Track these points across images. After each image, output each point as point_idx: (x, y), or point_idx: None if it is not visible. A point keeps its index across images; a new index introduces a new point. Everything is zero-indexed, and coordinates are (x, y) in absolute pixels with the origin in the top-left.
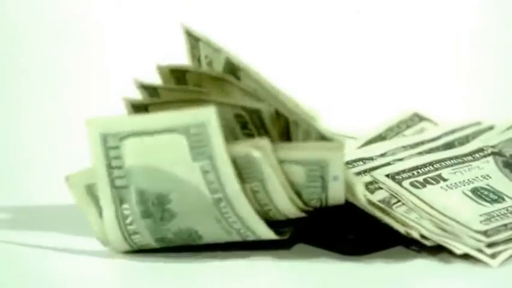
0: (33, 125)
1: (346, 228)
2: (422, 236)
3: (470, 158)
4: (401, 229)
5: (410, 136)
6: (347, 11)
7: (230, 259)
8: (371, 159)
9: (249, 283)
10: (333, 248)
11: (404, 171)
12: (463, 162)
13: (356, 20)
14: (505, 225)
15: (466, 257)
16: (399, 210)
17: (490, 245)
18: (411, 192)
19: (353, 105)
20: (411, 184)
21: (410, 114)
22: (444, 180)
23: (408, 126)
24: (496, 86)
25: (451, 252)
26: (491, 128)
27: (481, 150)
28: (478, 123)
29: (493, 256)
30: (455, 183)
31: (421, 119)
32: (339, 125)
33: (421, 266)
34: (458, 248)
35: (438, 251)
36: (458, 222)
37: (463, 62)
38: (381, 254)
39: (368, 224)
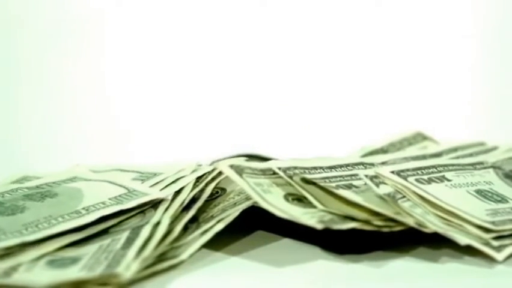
0: (31, 124)
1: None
2: (420, 225)
3: (471, 167)
4: (397, 217)
5: (412, 150)
6: (351, 26)
7: (227, 257)
8: (372, 164)
9: (246, 281)
10: (329, 246)
11: (408, 170)
12: (465, 170)
13: (363, 39)
14: (511, 220)
15: (463, 255)
16: (404, 206)
17: (496, 238)
18: (416, 186)
19: (356, 122)
20: (417, 180)
21: (414, 133)
22: (449, 180)
23: (410, 144)
24: (503, 108)
25: (453, 246)
26: (495, 148)
27: (481, 163)
28: (482, 144)
29: (499, 249)
30: (459, 183)
31: (424, 138)
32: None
33: (418, 265)
34: (462, 240)
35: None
36: (464, 211)
37: (471, 83)
38: (379, 254)
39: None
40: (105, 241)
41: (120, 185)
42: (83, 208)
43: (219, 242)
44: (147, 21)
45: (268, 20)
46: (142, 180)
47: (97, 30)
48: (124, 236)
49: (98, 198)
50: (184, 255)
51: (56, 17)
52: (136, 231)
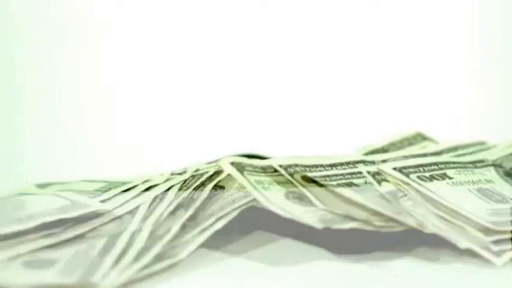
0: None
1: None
2: (421, 225)
3: (472, 165)
4: (398, 217)
5: (412, 150)
6: (351, 26)
7: (226, 257)
8: (373, 162)
9: (246, 281)
10: (328, 246)
11: (410, 167)
12: (466, 168)
13: (363, 39)
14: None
15: (463, 255)
16: (405, 205)
17: (496, 242)
18: (418, 183)
19: (356, 122)
20: (418, 177)
21: (414, 133)
22: (450, 178)
23: (410, 144)
24: (503, 108)
25: (453, 247)
26: (494, 147)
27: (481, 161)
28: (482, 143)
29: (498, 254)
30: (461, 181)
31: (424, 138)
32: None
33: (418, 265)
34: (462, 243)
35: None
36: (466, 210)
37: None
38: (379, 254)
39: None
40: (81, 246)
41: (64, 197)
42: (25, 216)
43: (218, 242)
44: (147, 21)
45: (268, 20)
46: (109, 188)
47: (97, 31)
48: (101, 242)
49: (41, 208)
50: (182, 254)
51: (56, 17)
52: (113, 239)
